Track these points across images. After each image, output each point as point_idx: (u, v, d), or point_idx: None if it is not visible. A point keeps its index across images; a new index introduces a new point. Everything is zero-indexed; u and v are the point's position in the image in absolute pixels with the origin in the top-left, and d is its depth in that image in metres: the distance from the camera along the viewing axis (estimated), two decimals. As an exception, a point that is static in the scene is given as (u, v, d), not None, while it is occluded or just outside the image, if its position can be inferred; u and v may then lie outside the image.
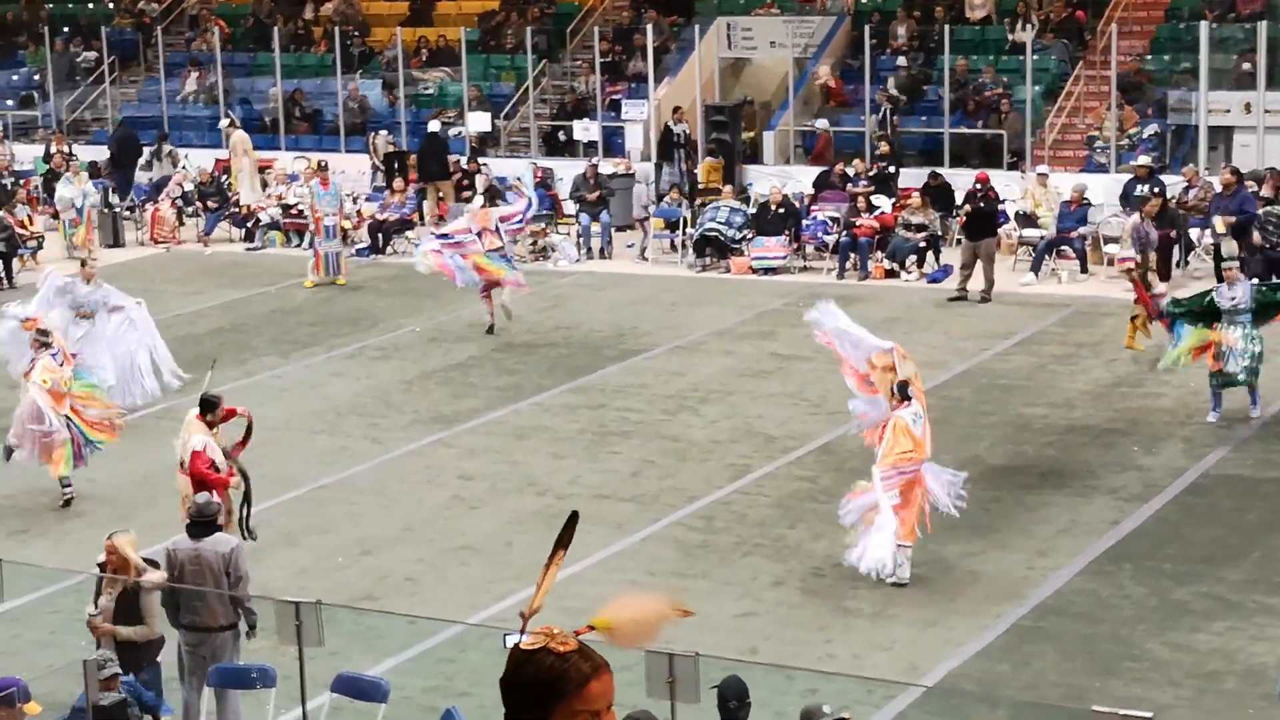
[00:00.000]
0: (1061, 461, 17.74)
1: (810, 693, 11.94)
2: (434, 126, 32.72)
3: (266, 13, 39.36)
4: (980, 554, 15.26)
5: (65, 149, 34.54)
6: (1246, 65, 29.46)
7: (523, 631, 3.51)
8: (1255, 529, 15.62)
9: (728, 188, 29.36)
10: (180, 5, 41.02)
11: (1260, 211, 25.06)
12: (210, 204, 31.89)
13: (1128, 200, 27.11)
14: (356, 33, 37.89)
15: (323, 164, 29.84)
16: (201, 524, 12.34)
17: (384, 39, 37.37)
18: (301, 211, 29.74)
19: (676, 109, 32.12)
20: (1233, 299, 18.49)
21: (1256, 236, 24.40)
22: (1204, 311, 18.66)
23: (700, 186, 30.43)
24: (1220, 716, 12.08)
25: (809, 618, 14.02)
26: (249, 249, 30.73)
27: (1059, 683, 12.64)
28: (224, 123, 35.03)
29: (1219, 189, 25.75)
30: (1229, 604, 13.97)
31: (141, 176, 34.26)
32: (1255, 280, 18.84)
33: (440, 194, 31.86)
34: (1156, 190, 26.11)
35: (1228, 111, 29.21)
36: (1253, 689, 12.31)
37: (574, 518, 3.87)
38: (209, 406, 15.02)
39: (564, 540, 3.80)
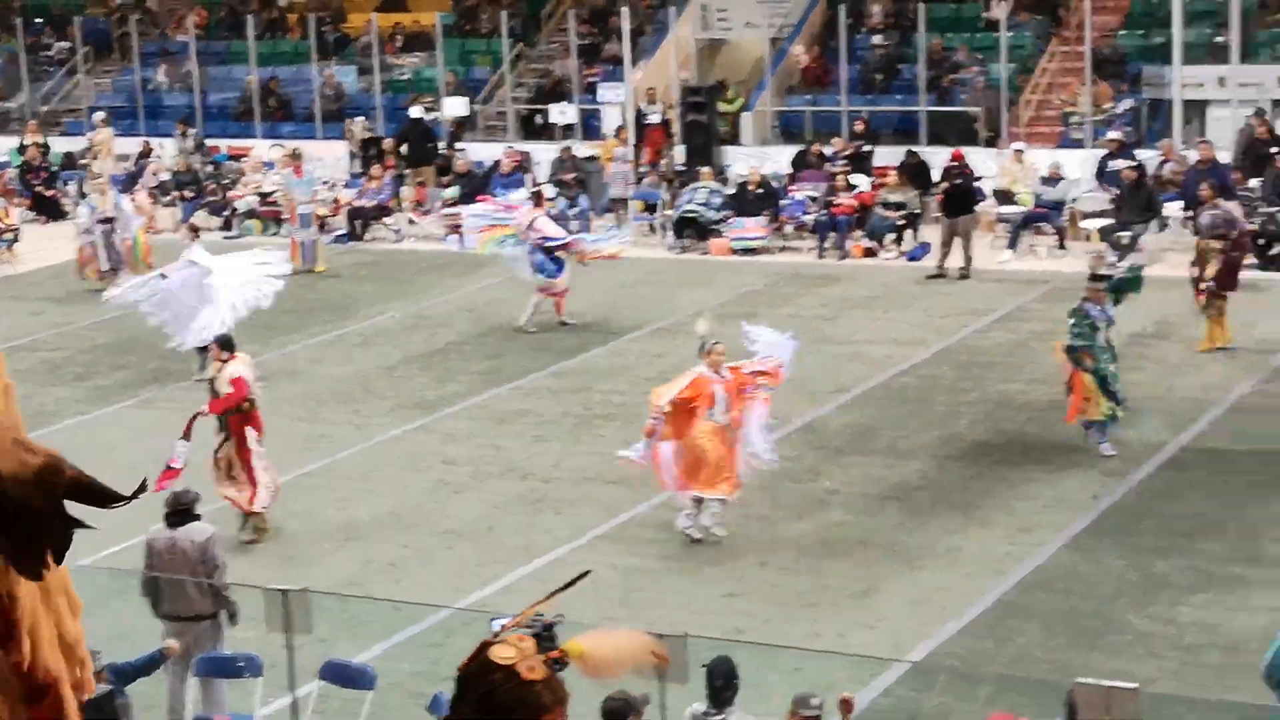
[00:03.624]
0: (1042, 437, 17.82)
1: (796, 671, 12.02)
2: (415, 112, 32.67)
3: (241, 1, 39.29)
4: (962, 531, 15.35)
5: (40, 140, 34.47)
6: (1220, 39, 29.54)
7: (496, 635, 3.50)
8: (1233, 501, 15.72)
9: (706, 169, 29.40)
10: (154, -6, 40.92)
11: (1239, 188, 25.22)
12: (186, 193, 31.86)
13: (1103, 175, 27.22)
14: (331, 19, 37.83)
15: (297, 152, 29.79)
16: (179, 512, 12.36)
17: (359, 25, 37.31)
18: (277, 200, 29.72)
19: (650, 90, 32.15)
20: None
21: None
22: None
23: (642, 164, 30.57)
24: (1203, 688, 12.17)
25: (794, 597, 14.10)
26: (227, 238, 30.70)
27: (1042, 658, 12.73)
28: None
29: (1195, 162, 25.86)
30: (1209, 576, 14.07)
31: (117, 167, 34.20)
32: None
33: (421, 179, 31.85)
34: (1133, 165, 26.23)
35: (1201, 85, 29.30)
36: (1234, 660, 12.40)
37: (583, 575, 3.93)
38: (229, 344, 16.13)
39: (563, 589, 3.83)
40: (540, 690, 3.40)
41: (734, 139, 32.18)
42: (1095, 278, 17.39)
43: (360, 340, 23.16)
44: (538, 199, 24.53)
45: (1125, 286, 18.17)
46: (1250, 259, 22.21)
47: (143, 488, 2.55)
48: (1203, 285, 20.34)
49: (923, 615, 13.65)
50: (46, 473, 2.22)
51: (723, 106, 32.18)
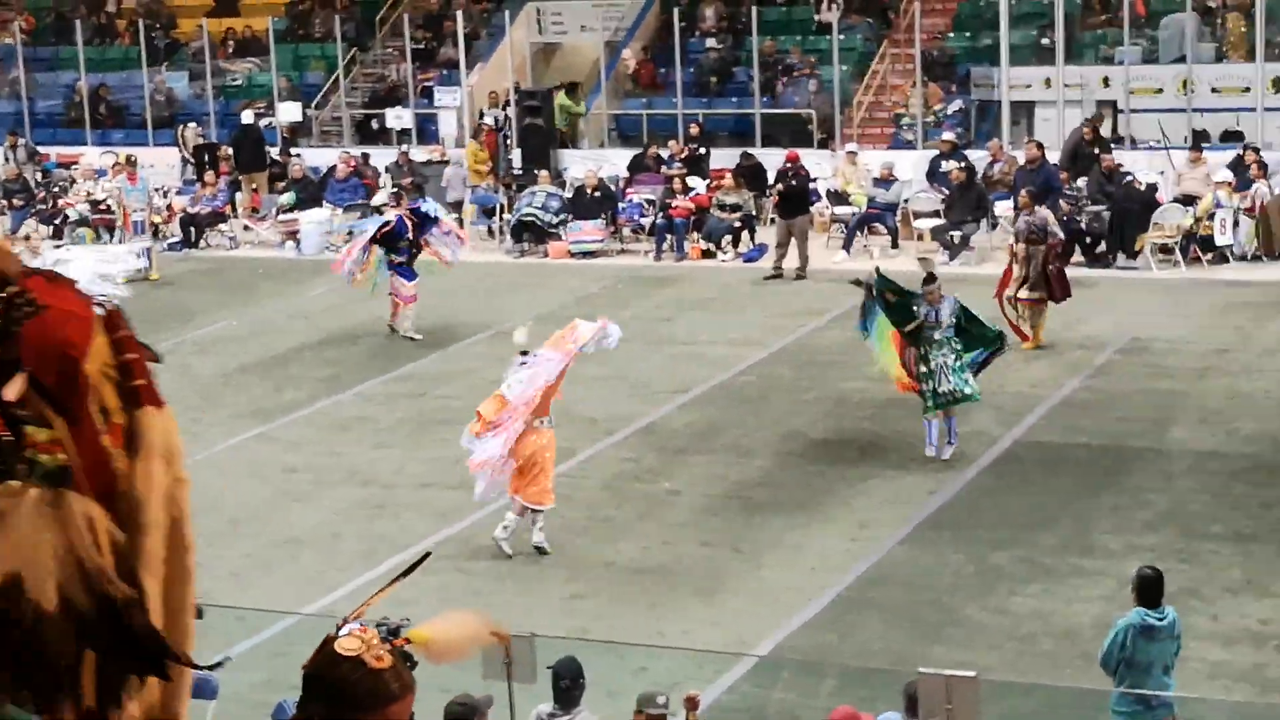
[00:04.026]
0: (880, 434, 18.07)
1: (641, 671, 12.10)
2: (247, 117, 32.41)
3: (69, 6, 38.67)
4: (804, 527, 15.53)
5: None
6: (1045, 40, 30.12)
7: (341, 627, 3.53)
8: (1066, 494, 16.05)
9: (543, 172, 29.43)
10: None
11: (1065, 188, 25.75)
12: (15, 201, 31.32)
13: (934, 176, 27.66)
14: (161, 25, 37.36)
15: (131, 159, 29.42)
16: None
17: (190, 30, 36.90)
18: (110, 208, 29.32)
19: (493, 93, 32.15)
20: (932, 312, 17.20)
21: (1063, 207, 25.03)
22: (900, 305, 17.39)
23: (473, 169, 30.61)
24: (1038, 676, 12.43)
25: (638, 596, 14.18)
26: (57, 247, 30.18)
27: (884, 650, 12.92)
28: None
29: (1024, 162, 26.35)
30: (1043, 568, 14.36)
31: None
32: (956, 297, 17.47)
33: (254, 185, 31.57)
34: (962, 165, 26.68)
35: (1028, 87, 29.86)
36: (1069, 649, 12.68)
37: (425, 557, 3.97)
38: None
39: (406, 574, 3.86)
40: (389, 678, 3.41)
41: (574, 142, 32.27)
42: (928, 279, 17.58)
43: (197, 349, 22.91)
44: (398, 198, 24.48)
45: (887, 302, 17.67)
46: (1067, 262, 22.37)
47: (220, 664, 2.53)
48: (1018, 293, 20.61)
49: (766, 612, 13.79)
50: (120, 607, 2.18)
51: (571, 107, 32.22)
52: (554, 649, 10.52)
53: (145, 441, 2.11)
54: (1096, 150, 26.78)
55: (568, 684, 10.14)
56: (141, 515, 2.11)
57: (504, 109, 31.95)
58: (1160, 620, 10.57)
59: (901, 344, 17.34)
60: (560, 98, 32.15)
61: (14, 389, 1.96)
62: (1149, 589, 10.68)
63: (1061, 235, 21.53)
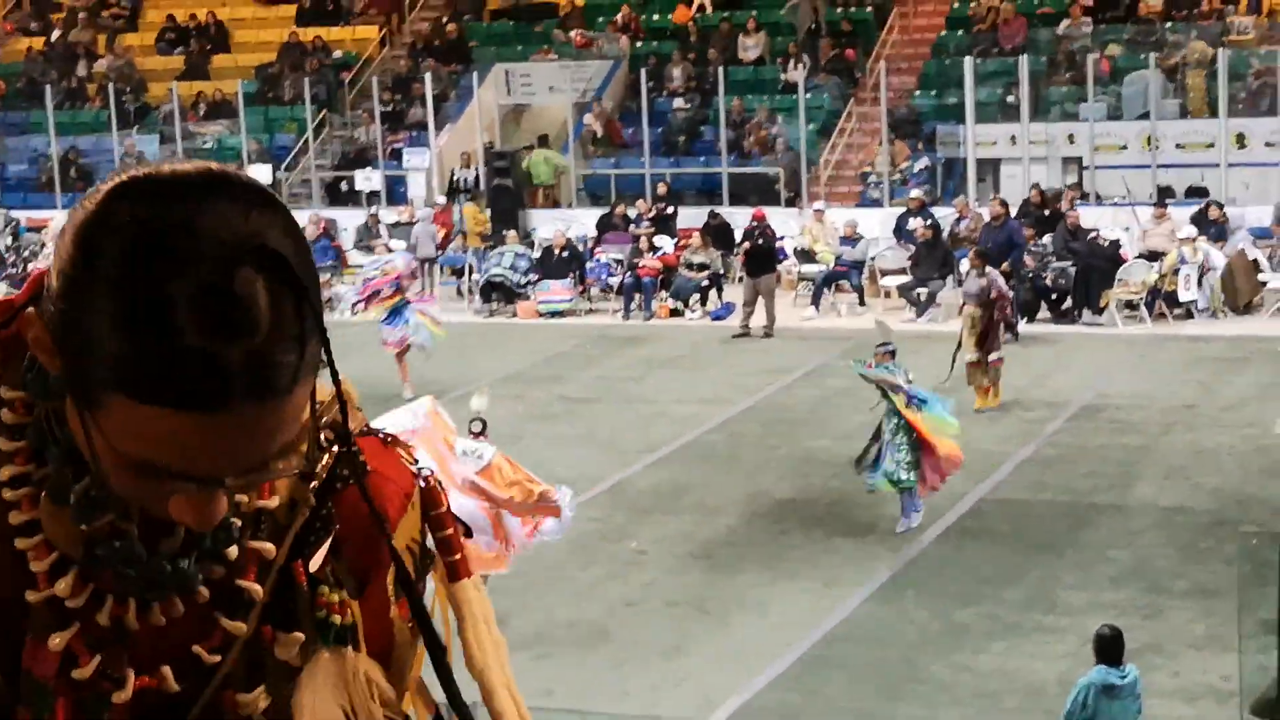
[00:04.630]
0: (846, 492, 18.07)
1: (607, 731, 12.12)
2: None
3: (39, 71, 38.75)
4: (769, 584, 15.55)
5: None
6: (1010, 98, 30.36)
7: None
8: (1031, 550, 16.11)
9: (512, 232, 29.54)
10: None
11: (1030, 244, 25.93)
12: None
13: (901, 234, 27.83)
14: (131, 89, 37.45)
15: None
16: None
17: (160, 94, 36.98)
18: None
19: (465, 154, 32.30)
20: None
21: (1027, 261, 25.21)
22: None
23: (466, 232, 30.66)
24: (1003, 733, 12.48)
25: (603, 657, 14.19)
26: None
27: (848, 708, 12.95)
28: None
29: (988, 219, 26.53)
30: (1008, 624, 14.40)
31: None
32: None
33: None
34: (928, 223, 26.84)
35: (994, 144, 30.10)
36: (1034, 704, 12.71)
37: None
38: None
39: None
40: None
41: (556, 199, 32.41)
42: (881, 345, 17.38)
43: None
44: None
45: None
46: (1007, 323, 22.04)
47: None
48: (966, 355, 20.51)
49: (731, 670, 13.80)
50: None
51: (554, 158, 32.32)
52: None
53: (469, 612, 2.15)
54: (1054, 209, 27.00)
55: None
56: (485, 680, 2.15)
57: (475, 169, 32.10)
58: (1122, 679, 10.63)
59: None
60: (539, 153, 32.31)
61: (318, 559, 1.99)
62: (1108, 647, 10.75)
63: (1009, 293, 21.51)
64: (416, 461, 2.10)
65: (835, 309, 27.09)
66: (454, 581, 2.14)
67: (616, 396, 22.21)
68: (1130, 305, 25.34)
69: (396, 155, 33.62)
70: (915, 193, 28.64)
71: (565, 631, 14.74)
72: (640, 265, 27.85)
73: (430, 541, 2.11)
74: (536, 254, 28.91)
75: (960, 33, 32.93)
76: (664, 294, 27.71)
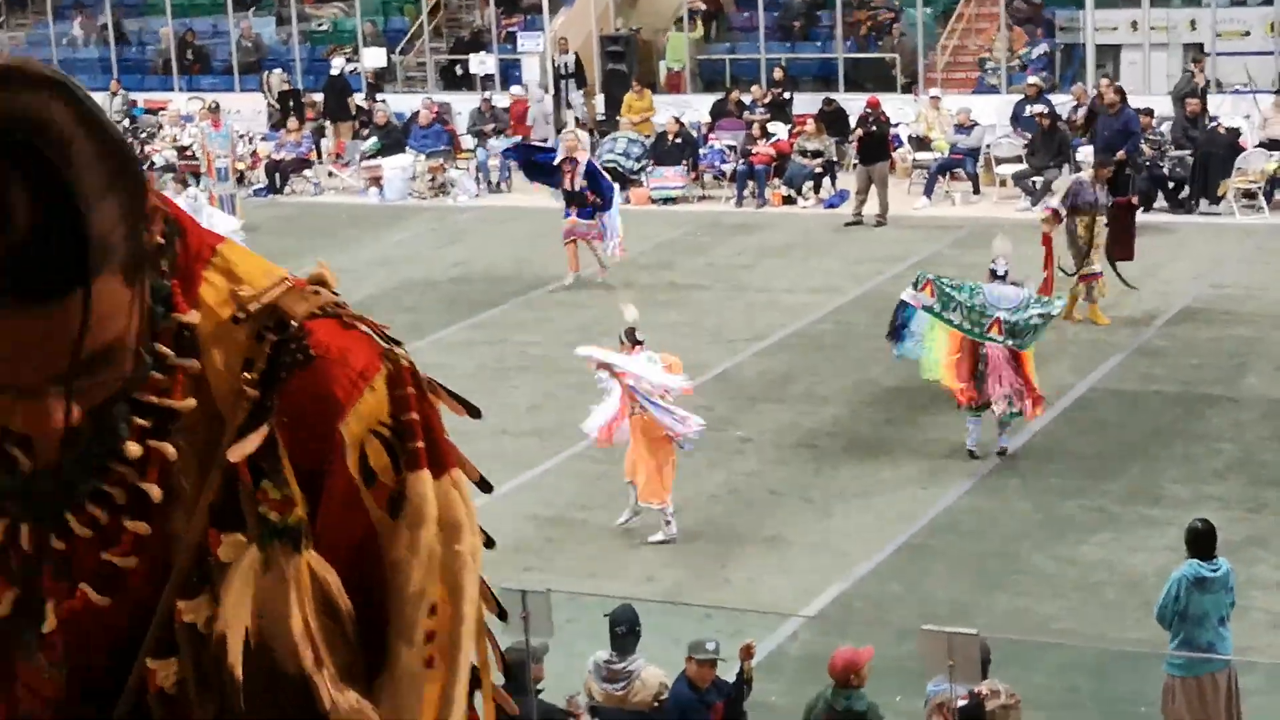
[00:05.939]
0: (953, 382, 18.02)
1: (705, 618, 12.24)
2: (336, 67, 32.51)
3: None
4: (873, 476, 15.58)
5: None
6: (1133, -17, 29.81)
7: None
8: (1137, 442, 16.02)
9: (625, 119, 29.46)
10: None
11: (1148, 132, 25.53)
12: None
13: (1018, 121, 27.48)
14: (249, -30, 37.60)
15: (215, 105, 29.70)
16: None
17: (277, -24, 37.12)
18: (195, 154, 29.62)
19: (562, 40, 32.17)
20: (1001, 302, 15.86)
21: (1146, 150, 24.83)
22: (955, 303, 16.06)
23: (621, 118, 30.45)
24: (1102, 625, 12.48)
25: (704, 545, 14.29)
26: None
27: (948, 599, 12.99)
28: None
29: (1104, 106, 26.12)
30: (1111, 516, 14.37)
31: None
32: (1028, 293, 16.14)
33: (339, 134, 31.80)
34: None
35: (1115, 29, 29.59)
36: (1132, 598, 12.69)
37: None
38: None
39: None
40: None
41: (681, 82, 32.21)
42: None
43: (279, 295, 23.13)
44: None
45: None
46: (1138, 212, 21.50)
47: None
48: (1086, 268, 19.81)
49: (832, 560, 13.87)
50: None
51: (692, 35, 32.11)
52: (613, 602, 10.66)
53: (412, 507, 1.91)
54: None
55: (623, 631, 10.29)
56: (399, 582, 1.90)
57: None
58: (1213, 572, 10.60)
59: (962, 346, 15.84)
60: (676, 35, 32.10)
61: (241, 450, 1.87)
62: (1200, 541, 10.74)
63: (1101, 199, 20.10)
64: (391, 341, 1.98)
65: (949, 197, 26.85)
66: (410, 471, 1.92)
67: (726, 284, 22.21)
68: (1248, 195, 24.93)
69: (511, 39, 33.56)
70: (1033, 79, 28.23)
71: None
72: (754, 152, 27.70)
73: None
74: (649, 139, 28.80)
75: (1083, -85, 32.29)
76: (777, 181, 27.56)
